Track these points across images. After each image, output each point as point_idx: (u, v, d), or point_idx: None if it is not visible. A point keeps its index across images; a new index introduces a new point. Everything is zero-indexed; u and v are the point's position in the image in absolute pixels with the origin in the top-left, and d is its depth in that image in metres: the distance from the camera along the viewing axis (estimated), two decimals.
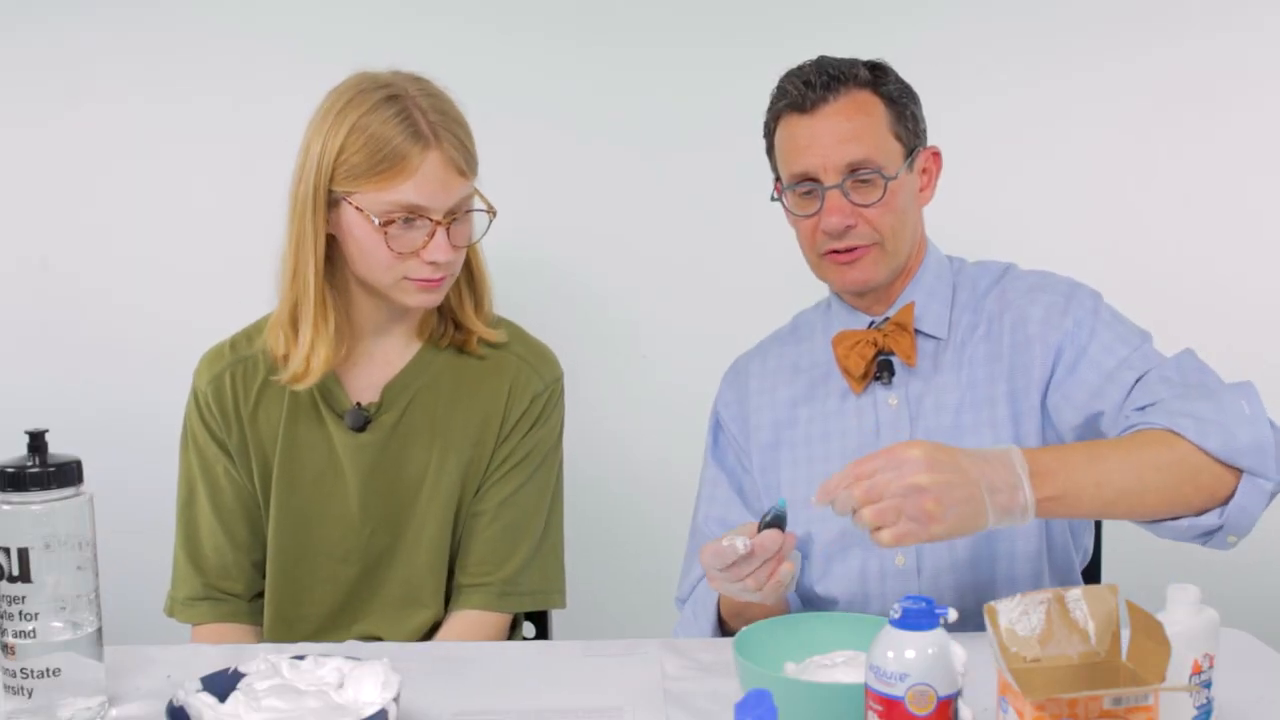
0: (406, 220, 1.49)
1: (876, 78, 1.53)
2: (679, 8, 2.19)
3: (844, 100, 1.50)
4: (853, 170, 1.49)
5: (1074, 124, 2.15)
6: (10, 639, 1.17)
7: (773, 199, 1.59)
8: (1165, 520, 1.31)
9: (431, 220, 1.50)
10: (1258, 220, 2.15)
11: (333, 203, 1.52)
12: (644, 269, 2.24)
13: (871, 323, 1.59)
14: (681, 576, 1.66)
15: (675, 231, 2.22)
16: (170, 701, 1.14)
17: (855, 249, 1.52)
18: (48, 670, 1.18)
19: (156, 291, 2.23)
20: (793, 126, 1.53)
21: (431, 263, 1.51)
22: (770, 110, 1.58)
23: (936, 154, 1.61)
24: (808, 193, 1.52)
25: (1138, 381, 1.42)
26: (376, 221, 1.49)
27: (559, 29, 2.19)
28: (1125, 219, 2.16)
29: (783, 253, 2.20)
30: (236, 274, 2.18)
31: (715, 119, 2.19)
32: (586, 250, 2.24)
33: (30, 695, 1.18)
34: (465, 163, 1.52)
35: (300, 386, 1.58)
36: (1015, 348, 1.53)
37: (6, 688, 1.19)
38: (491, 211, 1.58)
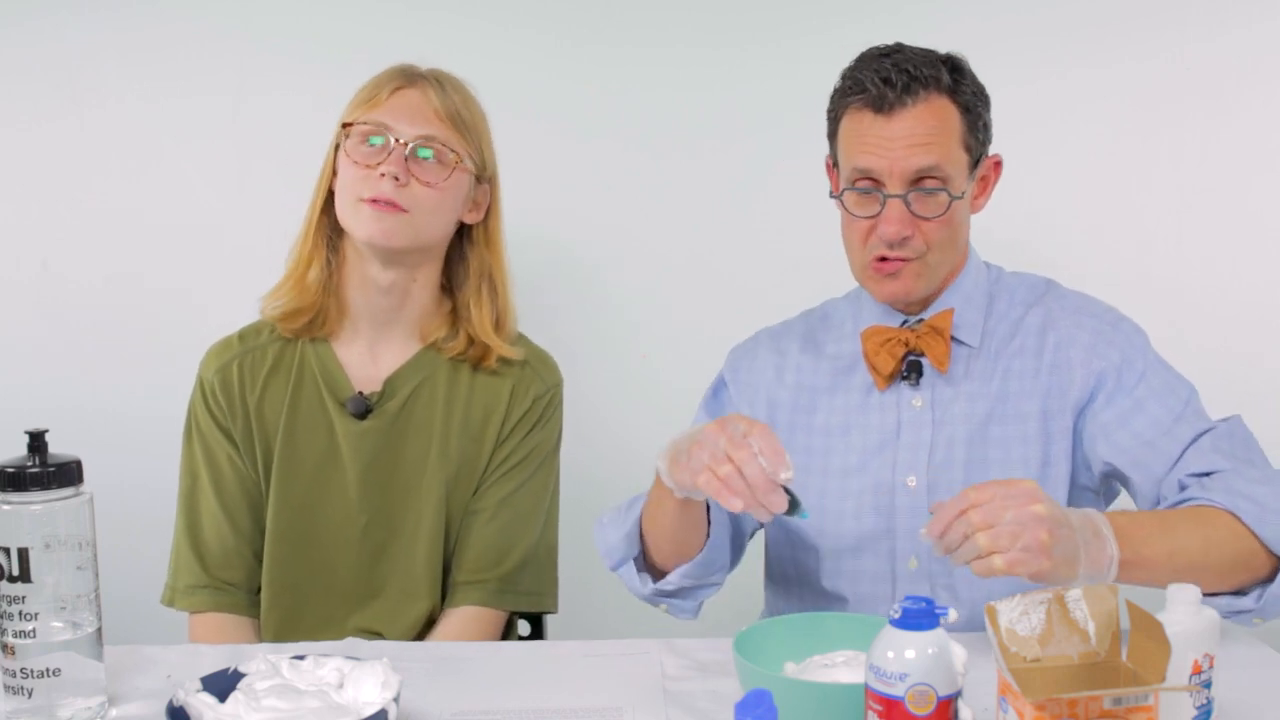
0: (373, 140, 1.57)
1: (956, 82, 1.48)
2: (679, 7, 2.19)
3: (921, 106, 1.45)
4: (918, 180, 1.46)
5: (1074, 124, 2.15)
6: (10, 639, 1.17)
7: (831, 196, 1.55)
8: (1206, 595, 1.31)
9: (393, 139, 1.56)
10: (1258, 220, 2.14)
11: (338, 150, 1.62)
12: (644, 269, 2.24)
13: (904, 321, 1.57)
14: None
15: (676, 231, 2.22)
16: (170, 701, 1.14)
17: (900, 259, 1.49)
18: (48, 670, 1.18)
19: (156, 291, 2.23)
20: (864, 123, 1.48)
21: (384, 176, 1.55)
22: (840, 96, 1.52)
23: (998, 163, 1.57)
24: (867, 192, 1.48)
25: (1193, 443, 1.43)
26: (346, 125, 1.59)
27: (559, 28, 2.19)
28: (1125, 219, 2.16)
29: (784, 252, 2.21)
30: (237, 273, 2.18)
31: (716, 118, 2.19)
32: (586, 250, 2.24)
33: (30, 695, 1.18)
34: (446, 111, 1.60)
35: (273, 313, 1.66)
36: (1056, 368, 1.51)
37: (6, 688, 1.19)
38: (459, 163, 1.60)
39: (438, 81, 1.62)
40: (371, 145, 1.58)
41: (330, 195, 1.64)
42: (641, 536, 1.52)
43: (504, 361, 1.68)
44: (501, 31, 2.18)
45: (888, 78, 1.45)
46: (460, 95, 1.63)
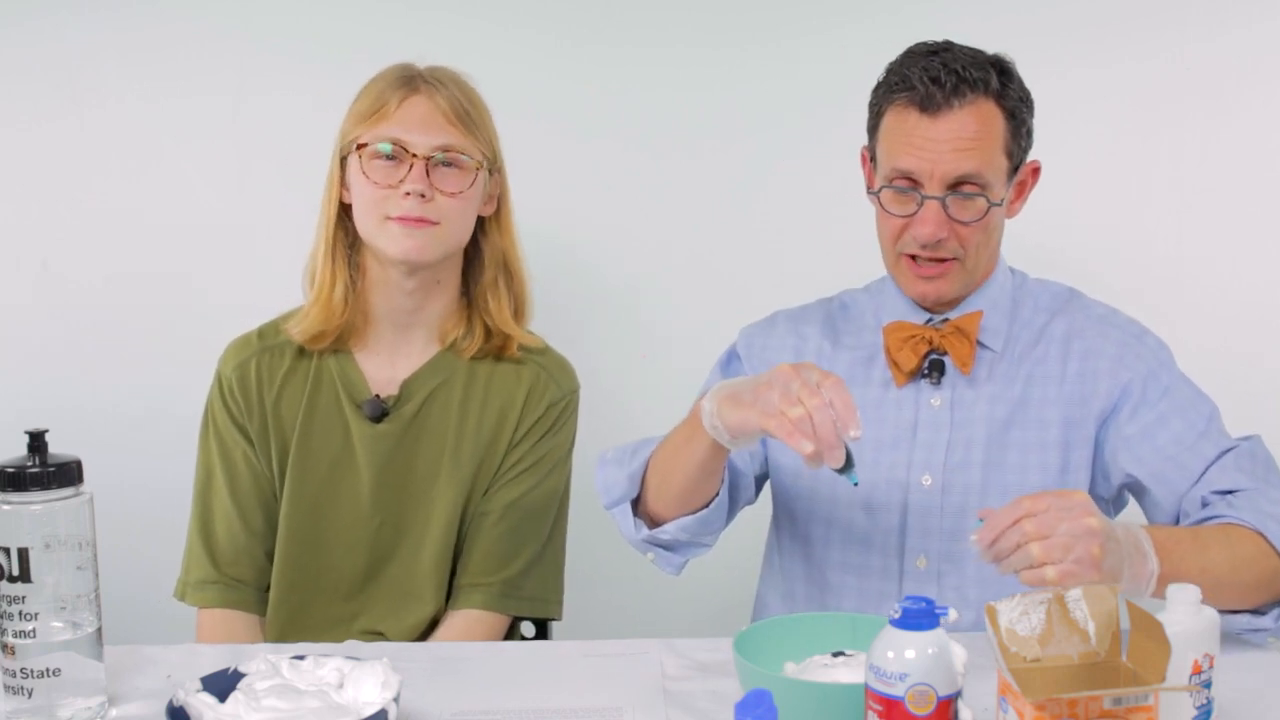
0: (390, 157, 1.56)
1: (1003, 86, 1.47)
2: (679, 7, 2.18)
3: (968, 109, 1.44)
4: (958, 184, 1.45)
5: (1074, 124, 2.15)
6: (10, 639, 1.17)
7: (869, 191, 1.54)
8: (1226, 612, 1.32)
9: (410, 154, 1.55)
10: (1258, 220, 2.14)
11: (345, 164, 1.61)
12: (645, 269, 2.24)
13: (929, 319, 1.57)
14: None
15: (676, 231, 2.22)
16: (170, 701, 1.14)
17: (937, 261, 1.49)
18: (48, 670, 1.18)
19: (156, 291, 2.23)
20: (909, 121, 1.46)
21: (409, 194, 1.54)
22: (885, 89, 1.49)
23: (1036, 170, 1.57)
24: (904, 191, 1.47)
25: (1216, 460, 1.44)
26: (360, 146, 1.56)
27: (559, 28, 2.19)
28: (1125, 219, 2.16)
29: (784, 252, 2.21)
30: (237, 273, 2.19)
31: (716, 118, 2.19)
32: (586, 250, 2.24)
33: (30, 695, 1.18)
34: (456, 114, 1.58)
35: (299, 330, 1.63)
36: (1082, 376, 1.52)
37: (6, 688, 1.19)
38: (494, 170, 1.63)
39: (439, 82, 1.60)
40: (389, 161, 1.56)
41: (341, 208, 1.62)
42: (642, 482, 1.50)
43: (525, 351, 1.68)
44: (501, 31, 2.18)
45: (936, 77, 1.44)
46: (463, 91, 1.61)
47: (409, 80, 1.59)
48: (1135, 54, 2.13)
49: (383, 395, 1.65)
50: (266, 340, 1.69)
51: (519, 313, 1.69)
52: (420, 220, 1.56)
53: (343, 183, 1.62)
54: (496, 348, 1.67)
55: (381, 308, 1.66)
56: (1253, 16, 2.10)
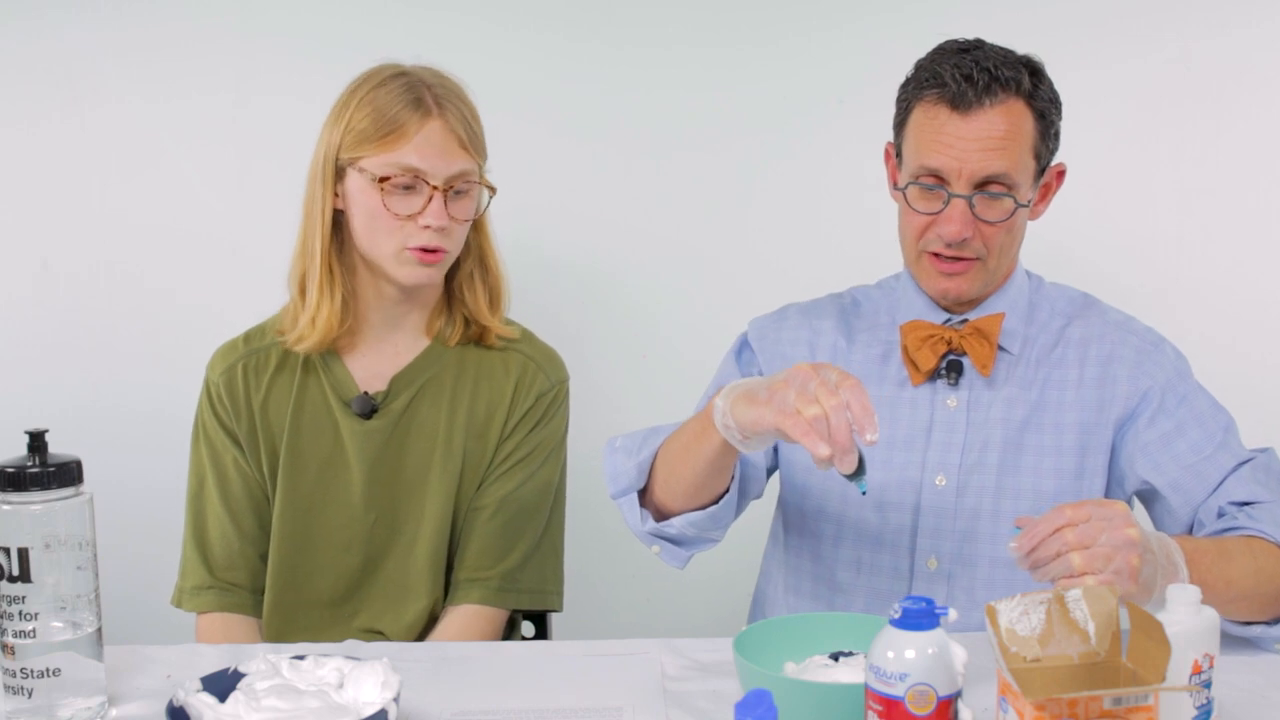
0: (406, 187, 1.55)
1: (1035, 86, 1.46)
2: (679, 7, 2.18)
3: (999, 108, 1.43)
4: (985, 184, 1.45)
5: (1074, 124, 2.14)
6: (10, 639, 1.17)
7: (895, 187, 1.53)
8: (1242, 624, 1.33)
9: (429, 185, 1.54)
10: (1259, 220, 2.14)
11: (340, 174, 1.58)
12: (645, 268, 2.24)
13: (947, 320, 1.56)
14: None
15: (676, 231, 2.22)
16: (170, 701, 1.14)
17: (960, 260, 1.49)
18: (48, 670, 1.18)
19: (156, 291, 2.23)
20: (939, 118, 1.45)
21: (427, 227, 1.54)
22: (915, 87, 1.49)
23: (1061, 172, 1.56)
24: (931, 189, 1.47)
25: (1233, 471, 1.44)
26: (377, 178, 1.54)
27: (559, 28, 2.19)
28: (1125, 219, 2.16)
29: (784, 251, 2.21)
30: (236, 273, 2.19)
31: (716, 118, 2.19)
32: (586, 249, 2.24)
33: (30, 695, 1.18)
34: (467, 137, 1.57)
35: (302, 347, 1.62)
36: (1101, 382, 1.51)
37: (6, 688, 1.19)
38: (491, 189, 1.62)
39: (448, 101, 1.57)
40: (405, 191, 1.55)
41: (334, 215, 1.60)
42: (650, 472, 1.48)
43: (505, 340, 1.69)
44: (501, 31, 2.18)
45: (969, 75, 1.43)
46: (468, 108, 1.60)
47: (419, 101, 1.55)
48: (1135, 54, 2.13)
49: (371, 391, 1.65)
50: (252, 344, 1.69)
51: (494, 303, 1.69)
52: (437, 251, 1.57)
53: (335, 191, 1.59)
54: (476, 335, 1.68)
55: (372, 310, 1.65)
56: (1253, 16, 2.10)
